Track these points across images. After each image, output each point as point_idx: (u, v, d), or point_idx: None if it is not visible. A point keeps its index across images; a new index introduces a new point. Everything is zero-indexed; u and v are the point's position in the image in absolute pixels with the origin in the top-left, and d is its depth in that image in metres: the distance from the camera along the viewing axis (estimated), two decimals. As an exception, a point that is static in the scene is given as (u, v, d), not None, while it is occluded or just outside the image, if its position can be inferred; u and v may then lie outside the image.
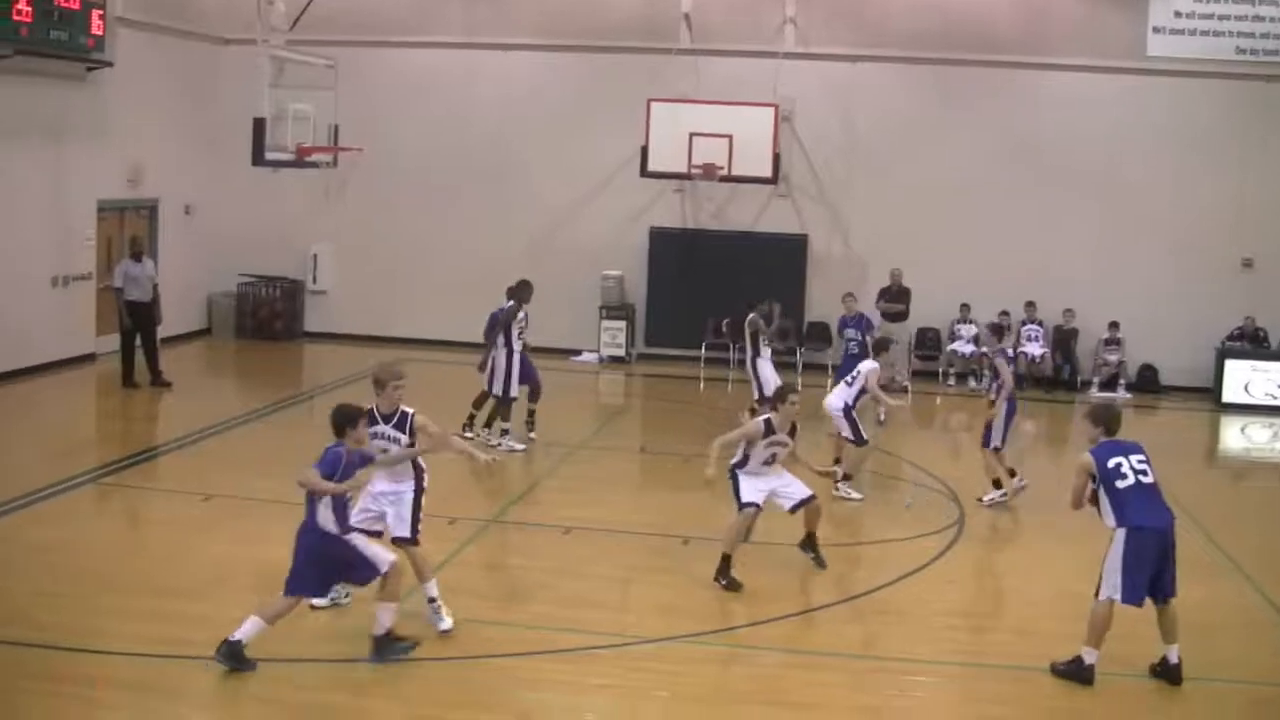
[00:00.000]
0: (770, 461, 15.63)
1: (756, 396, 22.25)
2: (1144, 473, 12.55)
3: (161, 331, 26.16)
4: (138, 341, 25.32)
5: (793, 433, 15.68)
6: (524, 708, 11.76)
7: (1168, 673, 12.67)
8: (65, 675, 11.84)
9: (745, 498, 15.33)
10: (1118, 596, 12.41)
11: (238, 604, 13.79)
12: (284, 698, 11.61)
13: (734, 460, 15.59)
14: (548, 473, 20.58)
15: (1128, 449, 12.77)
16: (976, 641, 14.01)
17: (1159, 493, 12.64)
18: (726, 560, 15.19)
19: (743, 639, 13.57)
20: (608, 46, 30.62)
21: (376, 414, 13.41)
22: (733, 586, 15.04)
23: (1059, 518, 16.70)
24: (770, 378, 22.25)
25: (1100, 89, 29.21)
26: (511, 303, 21.61)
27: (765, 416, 15.70)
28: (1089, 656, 12.60)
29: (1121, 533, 12.40)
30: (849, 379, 19.63)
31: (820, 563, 16.01)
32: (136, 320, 25.14)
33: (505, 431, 21.45)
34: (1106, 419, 13.03)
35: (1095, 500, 12.69)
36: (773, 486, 15.59)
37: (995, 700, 12.30)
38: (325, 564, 12.39)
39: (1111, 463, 12.56)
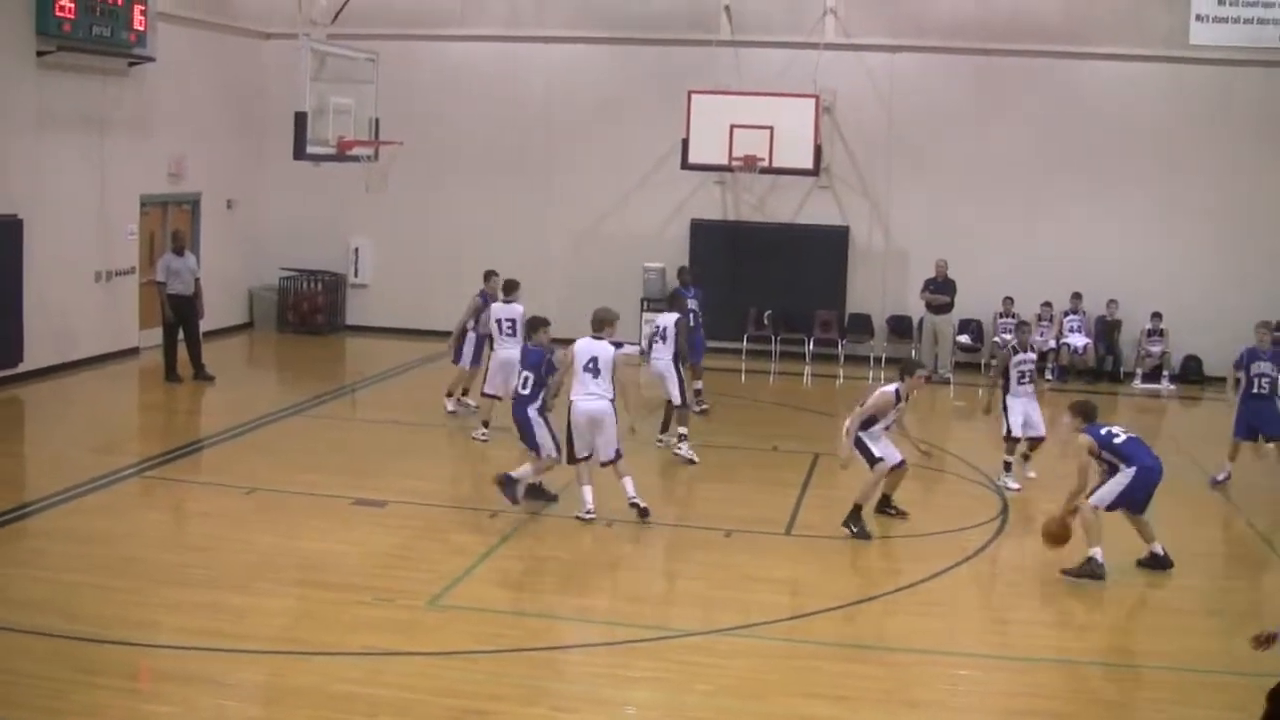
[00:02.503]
0: (888, 428, 17.05)
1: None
2: (1128, 429, 15.49)
3: (204, 325, 26.26)
4: (180, 335, 25.39)
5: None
6: (566, 700, 11.73)
7: (1158, 561, 15.42)
8: (108, 667, 11.84)
9: (878, 454, 16.76)
10: (1103, 505, 15.13)
11: (280, 595, 13.89)
12: (326, 689, 11.61)
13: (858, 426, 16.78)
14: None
15: (1109, 425, 15.65)
16: (1021, 634, 13.91)
17: (1143, 443, 15.48)
18: (858, 509, 16.67)
19: (785, 632, 13.49)
20: (648, 38, 30.58)
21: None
22: (863, 535, 16.56)
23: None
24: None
25: (1143, 78, 29.00)
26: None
27: (895, 386, 16.92)
28: (1098, 555, 14.97)
29: (1132, 470, 15.07)
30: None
31: (900, 513, 17.50)
32: (179, 314, 25.21)
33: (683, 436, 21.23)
34: (1087, 411, 15.77)
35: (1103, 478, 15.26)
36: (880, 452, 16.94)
37: (1041, 694, 12.20)
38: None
39: (1103, 431, 15.37)
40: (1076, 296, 29.26)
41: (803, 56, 29.23)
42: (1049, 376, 28.82)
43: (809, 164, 28.00)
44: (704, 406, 24.05)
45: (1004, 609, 14.69)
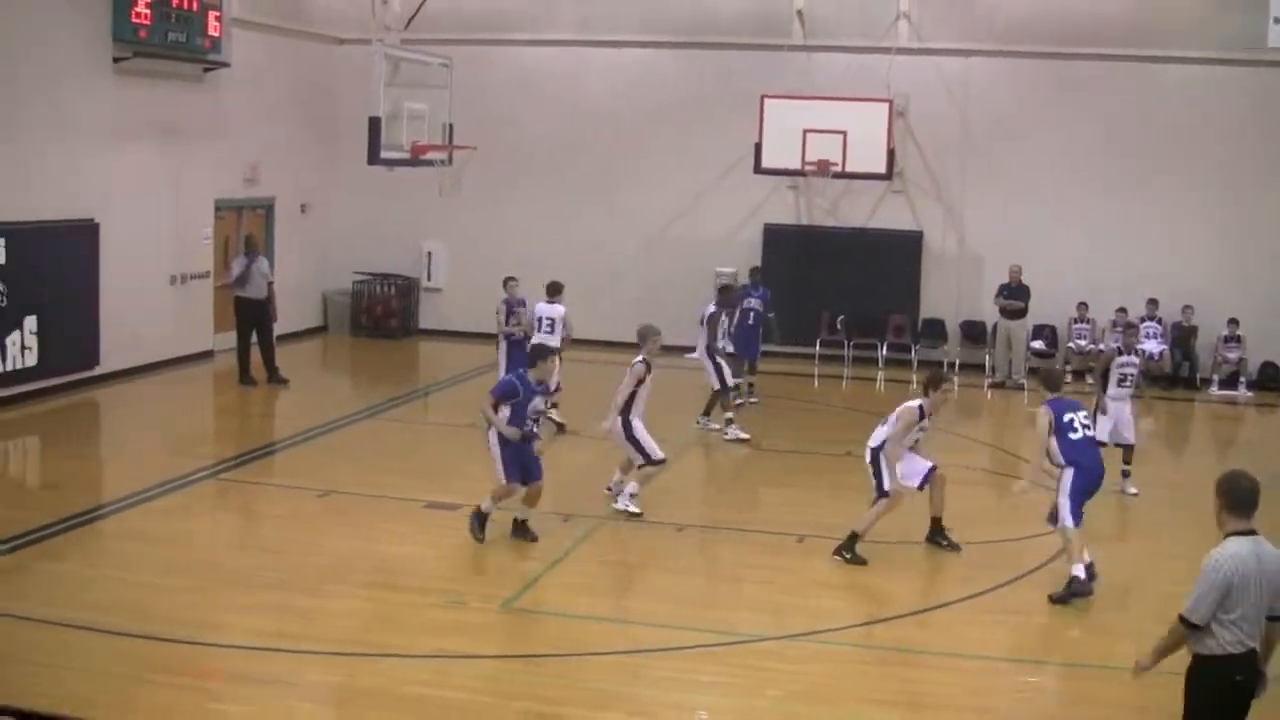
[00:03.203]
0: (913, 445, 16.28)
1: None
2: (1087, 427, 15.15)
3: (277, 329, 26.39)
4: (254, 339, 25.55)
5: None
6: (636, 704, 11.71)
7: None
8: (180, 667, 11.92)
9: (889, 486, 15.81)
10: (1070, 523, 14.73)
11: (352, 598, 13.92)
12: (396, 691, 11.63)
13: (876, 444, 16.01)
14: (661, 469, 20.54)
15: (1074, 406, 15.32)
16: (1092, 643, 13.77)
17: (1095, 443, 15.33)
18: (855, 537, 15.84)
19: (856, 637, 13.43)
20: (720, 43, 30.54)
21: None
22: (857, 561, 15.70)
23: (1175, 516, 16.50)
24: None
25: (1219, 81, 28.65)
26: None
27: (919, 403, 16.00)
28: (1079, 572, 14.63)
29: (1071, 471, 14.83)
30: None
31: (953, 546, 16.43)
32: (253, 317, 25.39)
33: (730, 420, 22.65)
34: (1050, 380, 15.73)
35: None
36: (902, 470, 16.05)
37: (1112, 704, 12.05)
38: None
39: (1066, 418, 15.00)
40: (1152, 303, 28.98)
41: (875, 61, 29.11)
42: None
43: (882, 168, 27.81)
44: (741, 401, 24.57)
45: (1075, 617, 14.54)
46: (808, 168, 27.88)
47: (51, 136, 23.33)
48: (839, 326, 29.62)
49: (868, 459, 16.04)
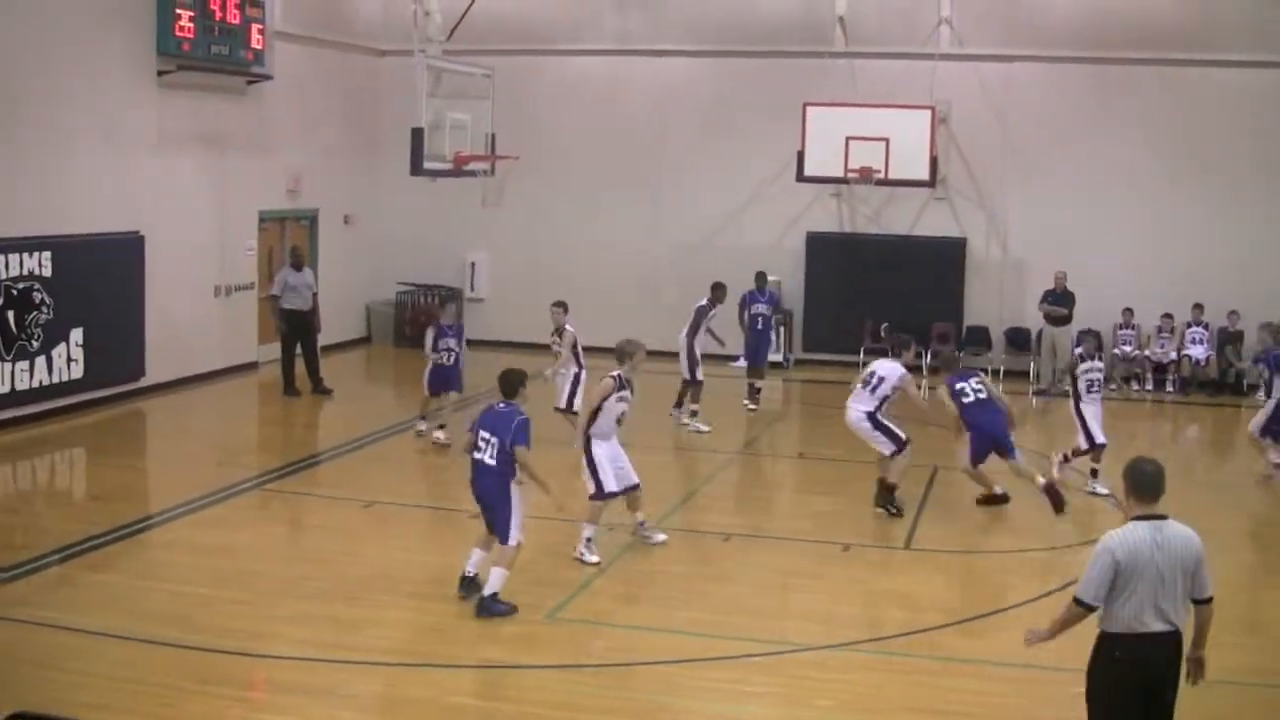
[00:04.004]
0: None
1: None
2: (980, 391, 18.20)
3: (321, 339, 26.48)
4: (298, 350, 25.59)
5: None
6: (685, 715, 11.62)
7: (999, 499, 18.46)
8: (225, 677, 11.89)
9: (904, 436, 18.13)
10: (970, 465, 18.35)
11: (398, 608, 13.88)
12: (442, 701, 11.58)
13: (873, 409, 18.17)
14: (706, 478, 20.52)
15: (965, 376, 18.52)
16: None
17: (991, 403, 18.23)
18: (894, 489, 18.10)
19: (905, 646, 13.30)
20: (762, 51, 30.46)
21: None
22: (897, 512, 17.95)
23: (1220, 524, 16.31)
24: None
25: (1266, 84, 28.36)
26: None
27: (903, 371, 18.27)
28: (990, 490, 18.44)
29: (970, 434, 18.23)
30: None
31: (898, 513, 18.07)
32: (296, 328, 25.43)
33: (694, 413, 23.41)
34: (947, 363, 19.32)
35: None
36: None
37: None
38: None
39: (958, 386, 18.25)
40: (1198, 308, 28.71)
41: (918, 67, 28.93)
42: (1169, 389, 28.42)
43: (925, 175, 27.74)
44: (752, 408, 25.36)
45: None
46: (850, 175, 27.84)
47: (97, 150, 23.44)
48: (882, 334, 29.35)
49: (869, 426, 18.11)
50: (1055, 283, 28.25)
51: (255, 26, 26.10)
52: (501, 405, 13.91)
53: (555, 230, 31.67)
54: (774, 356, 28.08)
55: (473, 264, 32.59)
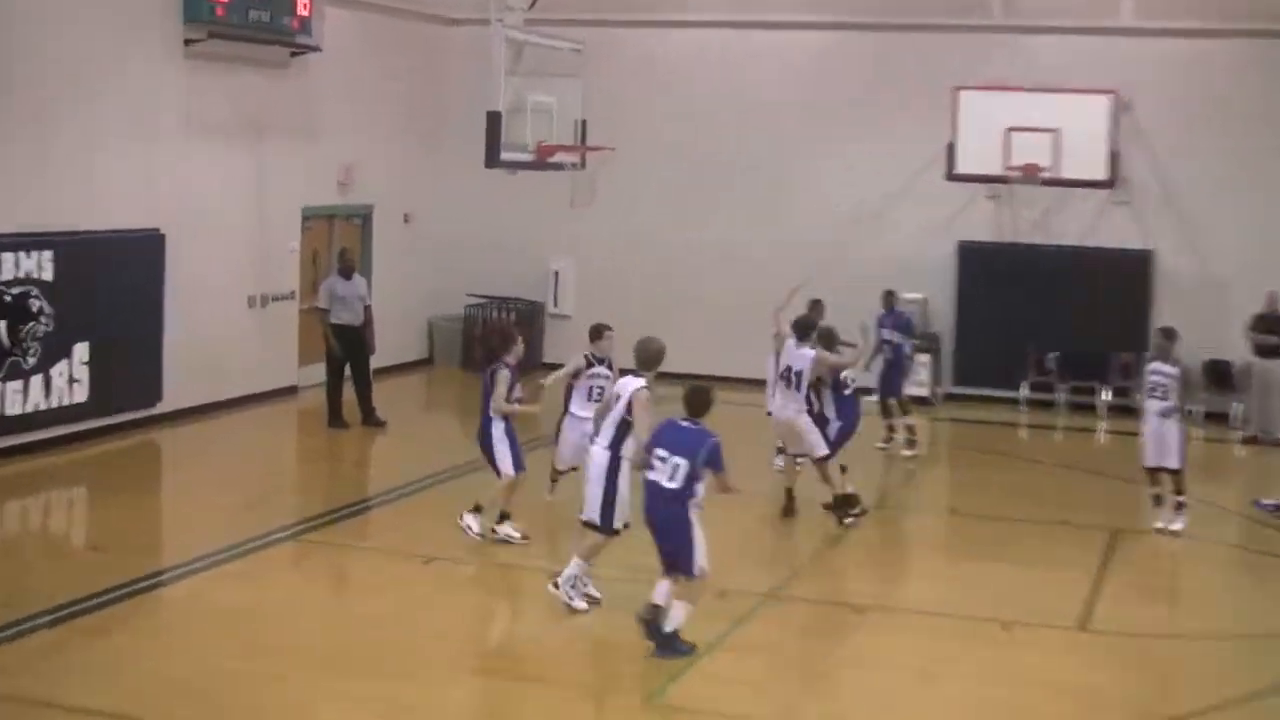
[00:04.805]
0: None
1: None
2: (856, 383, 20.69)
3: (375, 361, 26.44)
4: (347, 373, 25.57)
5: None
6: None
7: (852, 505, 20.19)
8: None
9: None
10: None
11: (463, 686, 13.84)
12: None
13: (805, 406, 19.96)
14: (836, 539, 20.15)
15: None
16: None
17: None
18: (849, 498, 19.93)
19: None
20: (906, 24, 30.37)
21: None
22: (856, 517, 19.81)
23: None
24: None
25: None
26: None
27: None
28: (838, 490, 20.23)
29: (838, 425, 20.38)
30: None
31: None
32: (346, 348, 25.36)
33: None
34: (827, 339, 20.76)
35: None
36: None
37: None
38: None
39: (844, 375, 20.43)
40: None
41: (1094, 45, 28.86)
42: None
43: (1102, 174, 27.54)
44: (882, 446, 25.25)
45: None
46: (1012, 173, 27.72)
47: (111, 132, 23.53)
48: (1050, 366, 29.15)
49: (808, 423, 20.01)
50: (1268, 304, 27.76)
51: (301, -12, 26.19)
52: (686, 423, 14.66)
53: (659, 234, 31.58)
54: (918, 390, 27.79)
55: (556, 273, 32.66)
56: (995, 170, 27.79)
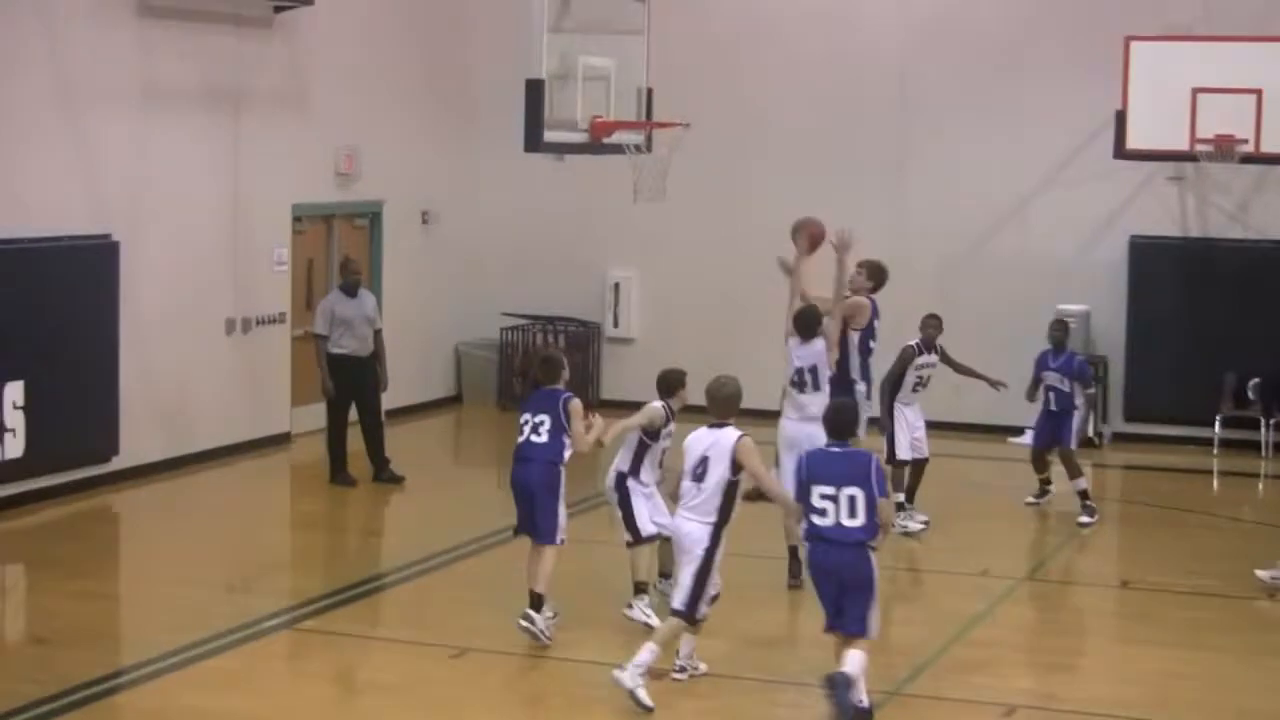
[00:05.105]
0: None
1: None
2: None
3: (388, 400, 26.57)
4: (352, 416, 25.65)
5: None
6: None
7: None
8: None
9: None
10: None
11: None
12: None
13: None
14: (976, 616, 20.04)
15: None
16: None
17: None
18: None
19: None
20: (1060, -43, 30.43)
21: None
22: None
23: None
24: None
25: None
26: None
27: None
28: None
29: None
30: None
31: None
32: (350, 384, 25.41)
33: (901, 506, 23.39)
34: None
35: None
36: None
37: None
38: None
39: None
40: None
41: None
42: None
43: (1320, 148, 27.32)
44: (1031, 501, 25.24)
45: None
46: (1200, 148, 27.51)
47: (46, 113, 23.73)
48: (1252, 395, 28.96)
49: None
50: None
51: (286, -77, 26.31)
52: (836, 448, 15.52)
53: (744, 235, 31.40)
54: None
55: (616, 286, 32.82)
56: (1178, 144, 27.58)
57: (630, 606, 18.19)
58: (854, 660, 14.98)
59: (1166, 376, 29.49)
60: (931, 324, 24.16)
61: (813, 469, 15.31)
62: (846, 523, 14.96)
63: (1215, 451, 29.13)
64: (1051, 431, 24.90)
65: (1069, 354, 25.07)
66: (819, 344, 20.55)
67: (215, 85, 26.38)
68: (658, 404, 18.49)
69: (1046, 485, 25.17)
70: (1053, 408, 24.77)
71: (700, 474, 16.11)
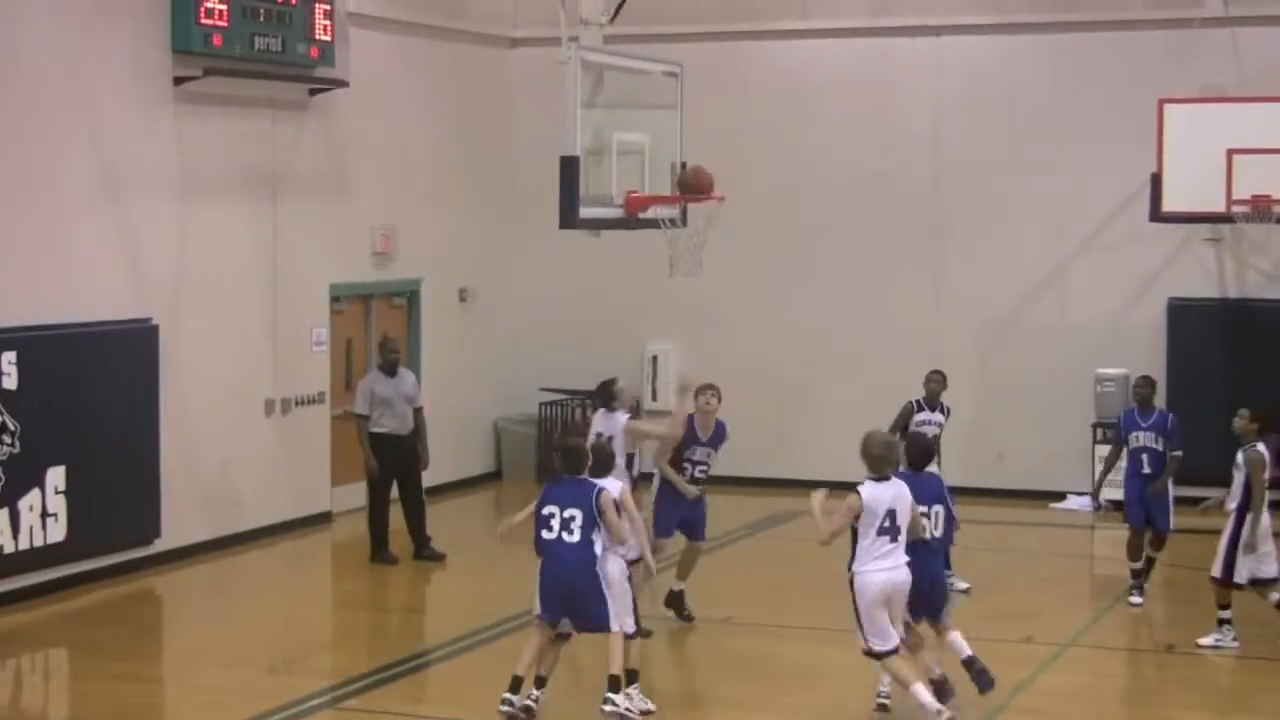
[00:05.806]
0: None
1: None
2: None
3: (429, 478, 26.49)
4: (393, 494, 25.63)
5: None
6: None
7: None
8: None
9: None
10: None
11: None
12: None
13: None
14: (1016, 687, 19.86)
15: None
16: None
17: None
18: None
19: None
20: (1093, 22, 30.47)
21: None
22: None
23: None
24: None
25: None
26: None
27: None
28: None
29: None
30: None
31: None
32: (392, 462, 25.40)
33: None
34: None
35: None
36: None
37: None
38: None
39: None
40: None
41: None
42: None
43: (1362, 207, 27.24)
44: (1139, 600, 23.87)
45: None
46: (1236, 209, 27.40)
47: (87, 199, 23.73)
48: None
49: None
50: None
51: (320, 7, 26.42)
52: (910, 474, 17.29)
53: (782, 307, 31.67)
54: (1111, 494, 27.02)
55: (654, 359, 32.80)
56: (1216, 206, 27.47)
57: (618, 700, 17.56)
58: (958, 642, 17.59)
59: (1207, 439, 29.34)
60: (935, 379, 23.93)
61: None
62: (936, 532, 17.28)
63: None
64: (1139, 502, 23.64)
65: (1160, 411, 24.17)
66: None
67: (253, 169, 26.45)
68: None
69: (1147, 570, 24.06)
70: (1145, 470, 23.66)
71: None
